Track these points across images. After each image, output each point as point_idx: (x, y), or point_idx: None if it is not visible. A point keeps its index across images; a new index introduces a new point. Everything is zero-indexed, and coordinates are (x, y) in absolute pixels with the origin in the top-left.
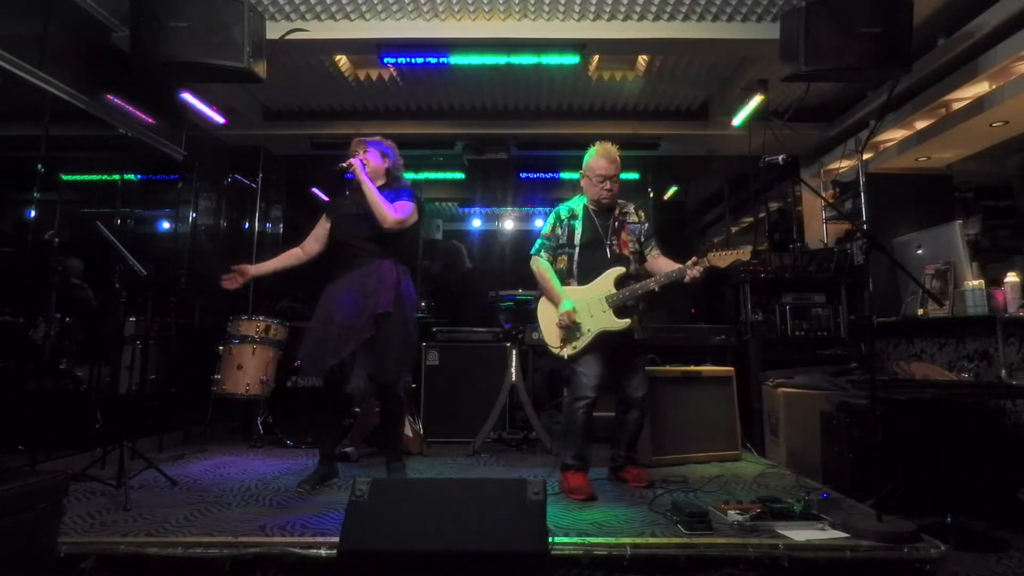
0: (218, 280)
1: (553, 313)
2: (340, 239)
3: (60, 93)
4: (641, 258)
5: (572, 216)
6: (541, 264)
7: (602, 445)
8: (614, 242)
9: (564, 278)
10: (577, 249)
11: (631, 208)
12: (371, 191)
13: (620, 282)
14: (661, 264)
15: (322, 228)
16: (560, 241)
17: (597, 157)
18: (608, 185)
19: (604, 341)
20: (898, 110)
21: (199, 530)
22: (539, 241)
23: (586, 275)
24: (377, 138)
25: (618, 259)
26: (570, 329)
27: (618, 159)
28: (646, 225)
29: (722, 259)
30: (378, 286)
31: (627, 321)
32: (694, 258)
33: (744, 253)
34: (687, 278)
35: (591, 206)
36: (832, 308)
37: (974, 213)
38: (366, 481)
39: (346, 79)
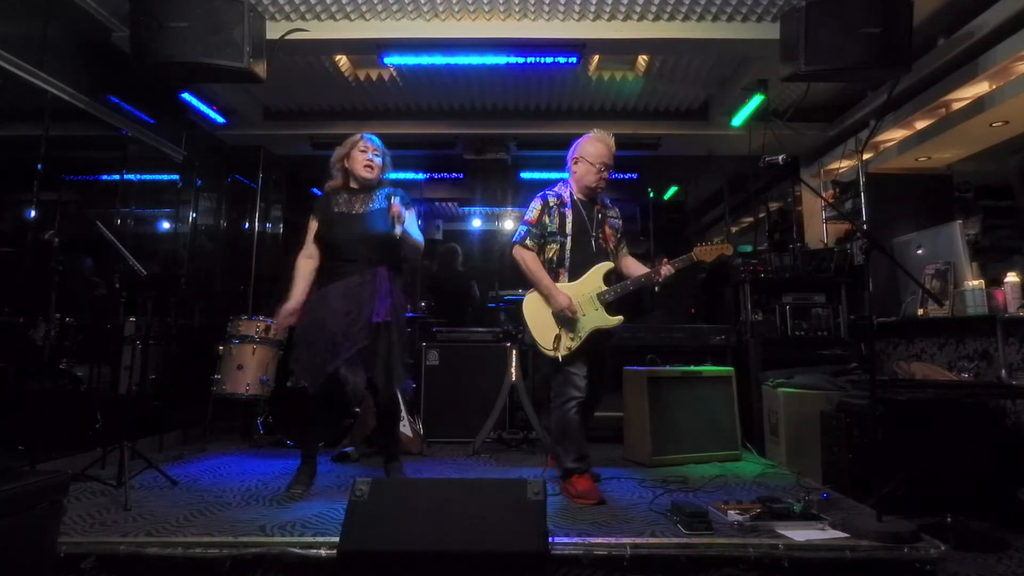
0: (218, 281)
1: (543, 309)
2: (333, 242)
3: (60, 93)
4: (615, 256)
5: (561, 203)
6: (526, 253)
7: (602, 445)
8: (599, 235)
9: (554, 268)
10: (569, 238)
11: (608, 202)
12: (413, 237)
13: (608, 278)
14: (629, 264)
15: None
16: (550, 229)
17: (598, 143)
18: (606, 173)
19: (592, 338)
20: (898, 110)
21: (199, 530)
22: (523, 227)
23: (575, 267)
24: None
25: (603, 253)
26: (571, 323)
27: (614, 149)
28: (620, 223)
29: (707, 253)
30: (373, 296)
31: (620, 318)
32: (664, 259)
33: (727, 248)
34: (659, 278)
35: (579, 195)
36: (832, 308)
37: (974, 213)
38: (366, 481)
39: (346, 79)
